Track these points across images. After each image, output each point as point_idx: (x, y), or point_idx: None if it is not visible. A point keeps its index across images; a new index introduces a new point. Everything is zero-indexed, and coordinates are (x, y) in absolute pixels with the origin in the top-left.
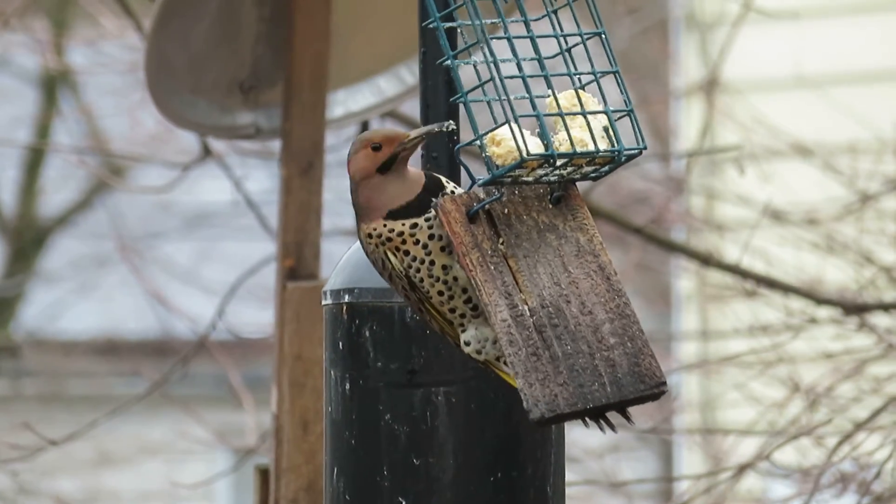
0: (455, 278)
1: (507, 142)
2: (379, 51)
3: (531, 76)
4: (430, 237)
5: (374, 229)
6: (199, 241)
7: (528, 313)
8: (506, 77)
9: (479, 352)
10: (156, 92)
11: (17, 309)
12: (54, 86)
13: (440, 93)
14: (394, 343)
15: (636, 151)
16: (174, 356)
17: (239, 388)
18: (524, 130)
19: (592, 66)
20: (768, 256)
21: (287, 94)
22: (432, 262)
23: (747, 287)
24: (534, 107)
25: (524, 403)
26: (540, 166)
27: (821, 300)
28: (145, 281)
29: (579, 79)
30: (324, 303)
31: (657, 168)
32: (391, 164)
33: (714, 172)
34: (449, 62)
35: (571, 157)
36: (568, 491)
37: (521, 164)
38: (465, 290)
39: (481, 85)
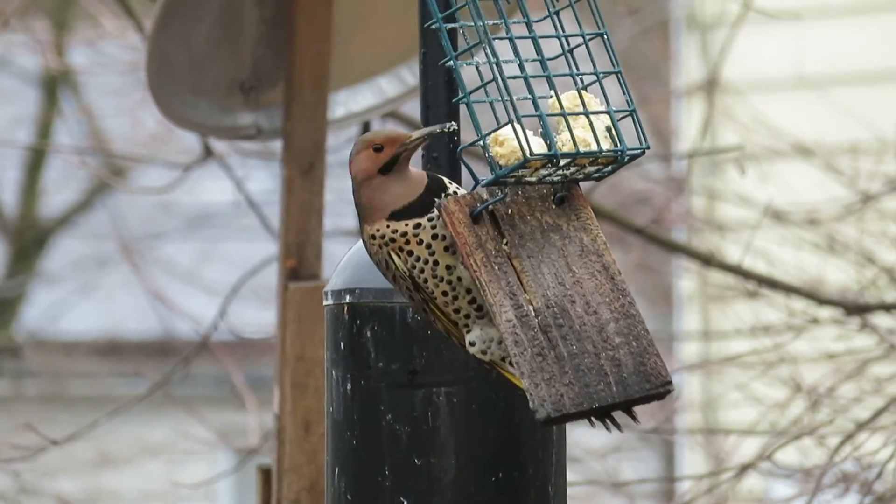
0: (459, 278)
1: (510, 142)
2: (380, 51)
3: (533, 76)
4: (434, 237)
5: (377, 230)
6: (200, 241)
7: (533, 314)
8: (508, 77)
9: (484, 352)
10: (157, 92)
11: (19, 309)
12: (55, 86)
13: (440, 93)
14: (395, 343)
15: (639, 151)
16: (175, 356)
17: (241, 389)
18: (527, 131)
19: (594, 66)
20: (769, 257)
21: (288, 94)
22: (436, 263)
23: (749, 287)
24: (536, 107)
25: (530, 404)
26: (543, 166)
27: (822, 300)
28: (146, 281)
29: (581, 79)
30: (325, 303)
31: (658, 168)
32: (393, 165)
33: (715, 173)
34: (451, 63)
35: (574, 156)
36: (569, 491)
37: (525, 164)
38: (469, 291)
39: (484, 85)
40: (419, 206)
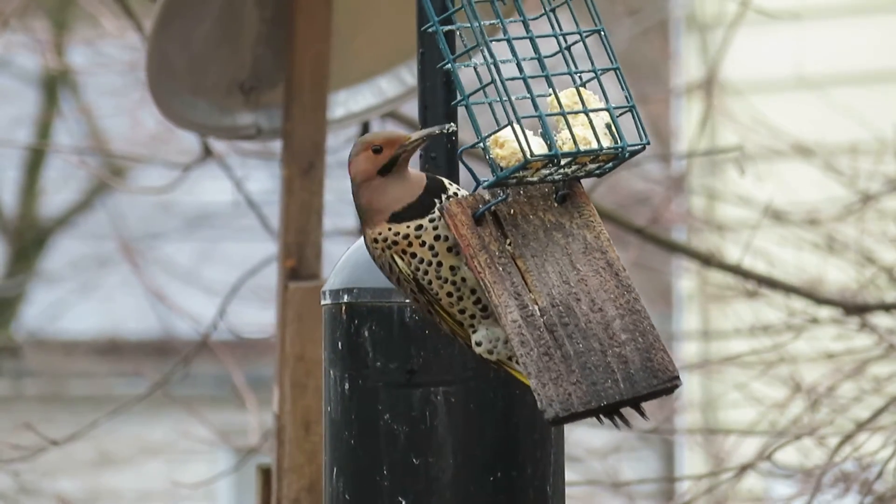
0: (463, 279)
1: (511, 143)
2: (380, 52)
3: (532, 76)
4: (436, 238)
5: (379, 233)
6: (199, 241)
7: (539, 313)
8: (506, 78)
9: (490, 352)
10: (157, 92)
11: (18, 309)
12: (55, 86)
13: (438, 94)
14: (393, 343)
15: (639, 147)
16: (175, 356)
17: (241, 389)
18: (527, 131)
19: (592, 63)
20: (769, 256)
21: (288, 94)
22: (440, 264)
23: (748, 287)
24: (535, 107)
25: (538, 404)
26: (544, 166)
27: (822, 300)
28: (146, 281)
29: (580, 77)
30: (323, 303)
31: (658, 168)
32: (392, 167)
33: (715, 173)
34: (449, 66)
35: (575, 155)
36: (569, 491)
37: (525, 165)
38: (473, 291)
39: (483, 88)
40: (419, 208)
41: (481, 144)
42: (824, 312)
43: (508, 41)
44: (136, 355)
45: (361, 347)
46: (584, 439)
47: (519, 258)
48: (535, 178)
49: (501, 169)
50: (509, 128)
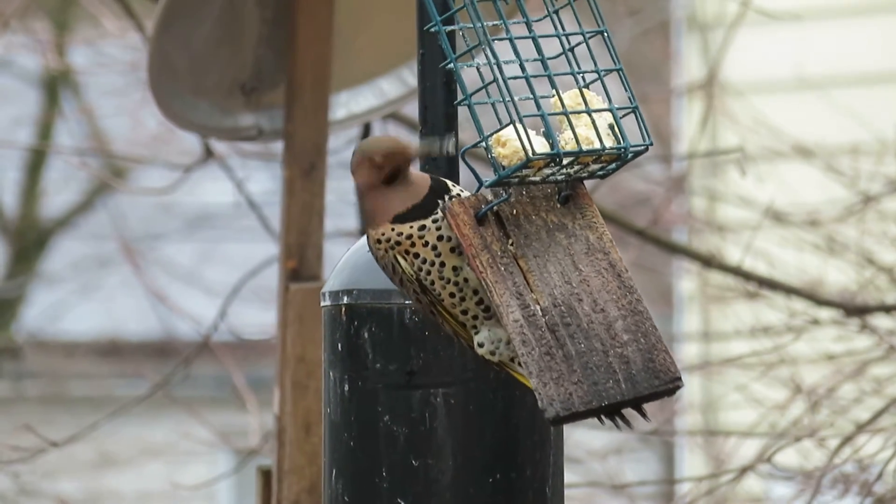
0: (466, 279)
1: (513, 142)
2: (381, 52)
3: (534, 76)
4: (439, 238)
5: (383, 234)
6: (200, 242)
7: (540, 313)
8: (509, 78)
9: (493, 353)
10: (158, 93)
11: (19, 310)
12: (56, 87)
13: (438, 94)
14: (392, 344)
15: (642, 148)
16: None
17: (241, 390)
18: (529, 131)
19: (595, 64)
20: (770, 258)
21: (289, 95)
22: (442, 264)
23: (749, 288)
24: (538, 106)
25: (539, 403)
26: (546, 166)
27: (822, 301)
28: (147, 282)
29: (583, 77)
30: (322, 304)
31: (658, 169)
32: (396, 178)
33: (716, 174)
34: (451, 65)
35: (577, 155)
36: (569, 492)
37: (527, 163)
38: (476, 292)
39: (485, 87)
40: (423, 209)
41: (483, 143)
42: (825, 314)
43: (511, 41)
44: (136, 356)
45: (361, 349)
46: (584, 441)
47: (521, 258)
48: (537, 178)
49: (503, 168)
50: (511, 127)
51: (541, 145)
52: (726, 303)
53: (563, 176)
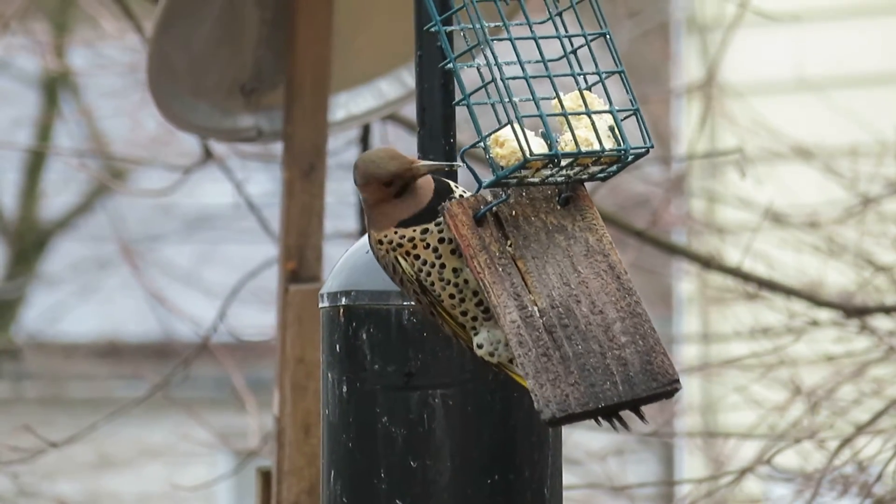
0: (466, 281)
1: (511, 143)
2: (380, 53)
3: (535, 77)
4: (440, 241)
5: (385, 236)
6: (200, 243)
7: (538, 314)
8: (509, 78)
9: (492, 354)
10: (157, 94)
11: (18, 311)
12: (55, 88)
13: (436, 95)
14: (391, 346)
15: (643, 150)
16: (175, 359)
17: (241, 391)
18: (529, 131)
19: (597, 66)
20: (769, 259)
21: (289, 96)
22: (442, 266)
23: (748, 290)
24: (537, 107)
25: (535, 404)
26: (545, 167)
27: (822, 303)
28: (146, 283)
29: (585, 79)
30: (321, 305)
31: (658, 171)
32: (403, 192)
33: (715, 175)
34: (450, 65)
35: (575, 156)
36: (568, 494)
37: (525, 164)
38: (475, 293)
39: (483, 87)
40: (427, 213)
41: (482, 144)
42: (824, 315)
43: (511, 41)
44: (135, 358)
45: (359, 350)
46: (583, 442)
47: (519, 259)
48: (536, 179)
49: (501, 168)
50: (509, 127)
51: (539, 146)
52: (726, 304)
53: (563, 178)
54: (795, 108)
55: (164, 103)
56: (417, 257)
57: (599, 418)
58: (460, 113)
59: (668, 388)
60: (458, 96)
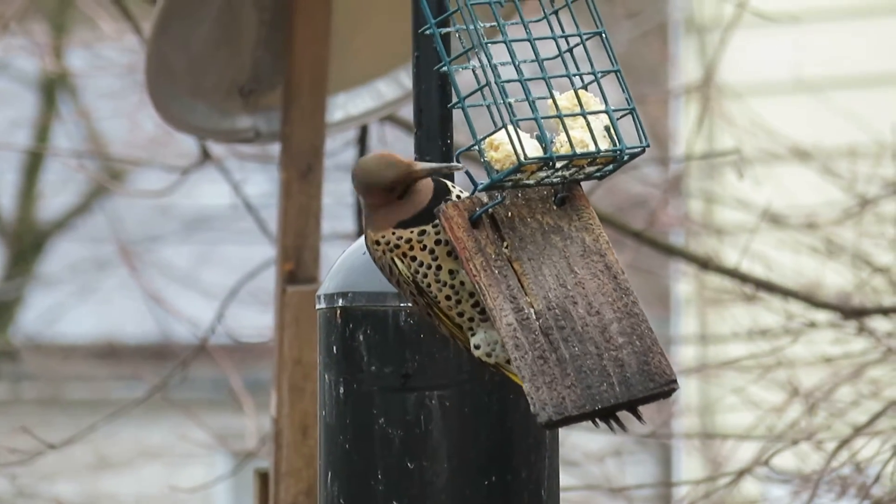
0: (462, 283)
1: (505, 146)
2: (378, 54)
3: (530, 79)
4: (437, 242)
5: (382, 237)
6: (198, 244)
7: (534, 316)
8: (505, 80)
9: (489, 355)
10: (155, 95)
11: (16, 313)
12: (53, 89)
13: (433, 97)
14: (388, 347)
15: (639, 150)
16: (174, 360)
17: (239, 392)
18: (524, 133)
19: (592, 66)
20: (767, 260)
21: (287, 97)
22: (439, 268)
23: (746, 291)
24: (532, 109)
25: (531, 407)
26: (540, 169)
27: (820, 304)
28: (144, 284)
29: (581, 78)
30: (318, 307)
31: (655, 171)
32: (404, 194)
33: (713, 176)
34: (445, 68)
35: (570, 158)
36: (566, 495)
37: (520, 168)
38: (472, 295)
39: (479, 89)
40: (426, 214)
41: (477, 147)
42: (822, 316)
43: (507, 43)
44: (134, 359)
45: (356, 352)
46: (580, 443)
47: (516, 261)
48: (531, 181)
49: (496, 172)
50: (504, 130)
51: (534, 149)
52: (723, 305)
53: (559, 178)
54: (793, 108)
55: (163, 104)
56: (414, 259)
57: (597, 420)
58: (457, 114)
59: (665, 389)
60: (453, 99)
